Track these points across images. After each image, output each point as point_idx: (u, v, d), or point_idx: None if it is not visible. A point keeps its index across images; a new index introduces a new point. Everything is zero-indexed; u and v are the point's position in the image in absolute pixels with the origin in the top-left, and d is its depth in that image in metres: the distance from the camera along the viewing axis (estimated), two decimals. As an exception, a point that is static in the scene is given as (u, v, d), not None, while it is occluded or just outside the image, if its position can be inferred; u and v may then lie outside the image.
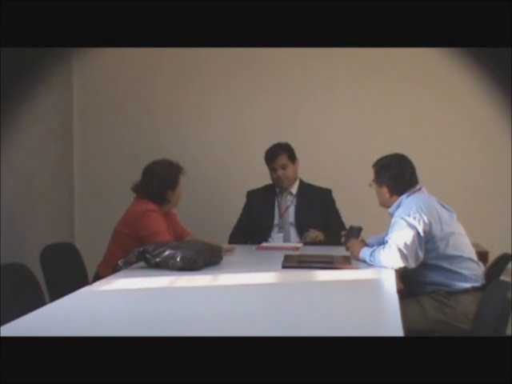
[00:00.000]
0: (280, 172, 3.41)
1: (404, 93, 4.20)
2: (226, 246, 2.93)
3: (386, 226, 2.81)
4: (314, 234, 3.30)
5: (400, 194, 2.80)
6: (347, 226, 3.25)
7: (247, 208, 3.56)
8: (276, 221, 3.46)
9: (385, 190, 2.83)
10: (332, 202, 3.50)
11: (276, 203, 3.48)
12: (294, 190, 3.49)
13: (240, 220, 3.55)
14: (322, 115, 4.29)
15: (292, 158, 3.45)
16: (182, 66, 4.35)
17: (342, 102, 4.28)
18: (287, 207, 3.45)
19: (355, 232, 2.91)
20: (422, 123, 4.21)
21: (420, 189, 2.81)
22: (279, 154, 3.41)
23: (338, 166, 4.22)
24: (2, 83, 1.60)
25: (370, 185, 2.90)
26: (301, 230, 3.38)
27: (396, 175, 2.79)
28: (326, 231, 3.34)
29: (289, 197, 3.49)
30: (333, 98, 4.28)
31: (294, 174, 3.47)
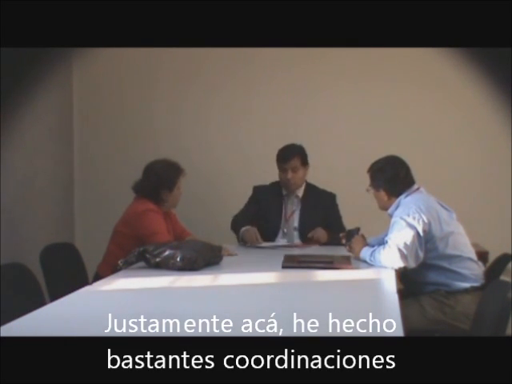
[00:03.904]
0: (290, 175, 3.35)
1: (404, 93, 4.20)
2: (227, 249, 2.90)
3: (386, 227, 2.81)
4: (318, 233, 3.29)
5: (398, 195, 2.80)
6: (348, 228, 3.25)
7: (254, 201, 3.48)
8: (281, 225, 3.42)
9: (382, 193, 2.83)
10: (335, 206, 3.47)
11: (283, 206, 3.44)
12: (300, 193, 3.44)
13: (247, 208, 3.46)
14: (323, 116, 4.29)
15: (304, 162, 3.39)
16: (182, 66, 4.35)
17: (343, 102, 4.28)
18: (293, 212, 3.42)
19: (354, 233, 2.92)
20: (422, 123, 4.21)
21: (418, 189, 2.81)
22: (293, 156, 3.35)
23: (339, 166, 4.21)
24: (2, 83, 1.60)
25: (367, 190, 2.91)
26: (304, 235, 3.36)
27: (391, 177, 2.80)
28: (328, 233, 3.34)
29: (295, 200, 3.45)
30: (333, 98, 4.28)
31: (303, 178, 3.43)
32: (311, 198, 3.44)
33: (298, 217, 3.43)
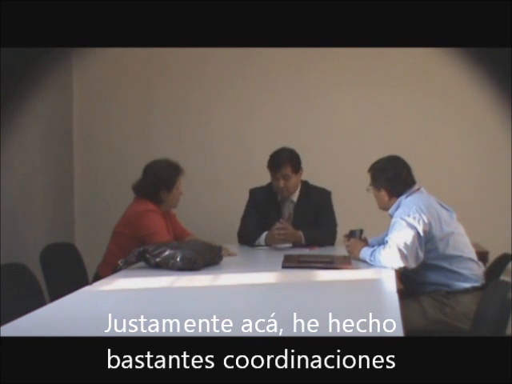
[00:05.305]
0: (281, 183, 3.28)
1: (404, 93, 4.21)
2: (227, 249, 2.89)
3: (386, 227, 2.81)
4: (281, 227, 3.16)
5: (399, 195, 2.80)
6: (343, 226, 3.24)
7: (254, 204, 3.43)
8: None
9: (383, 193, 2.83)
10: (328, 203, 3.41)
11: (280, 211, 3.38)
12: (295, 197, 3.39)
13: (251, 214, 3.39)
14: (324, 116, 4.29)
15: (296, 168, 3.29)
16: (182, 66, 4.36)
17: (344, 103, 4.28)
18: (289, 216, 3.37)
19: (357, 234, 2.92)
20: (422, 123, 4.22)
21: (419, 189, 2.81)
22: (283, 165, 3.26)
23: (339, 166, 4.22)
24: (2, 83, 1.60)
25: (367, 189, 2.90)
26: None
27: (392, 177, 2.79)
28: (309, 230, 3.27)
29: (290, 205, 3.40)
30: (334, 98, 4.29)
31: (296, 183, 3.35)
32: (304, 200, 3.38)
33: (292, 221, 3.35)
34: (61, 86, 4.23)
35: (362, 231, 2.93)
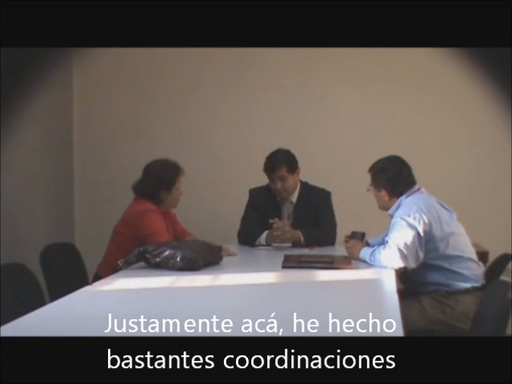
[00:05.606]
0: (279, 184, 3.28)
1: (405, 93, 4.21)
2: (227, 249, 2.89)
3: (387, 227, 2.81)
4: (281, 225, 3.13)
5: (399, 195, 2.80)
6: (343, 226, 3.24)
7: (254, 205, 3.43)
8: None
9: (383, 193, 2.83)
10: (328, 204, 3.40)
11: (279, 212, 3.37)
12: (294, 198, 3.38)
13: (251, 215, 3.39)
14: (323, 116, 4.29)
15: (292, 169, 3.29)
16: (182, 66, 4.35)
17: (343, 103, 4.28)
18: (289, 216, 3.36)
19: (358, 236, 2.91)
20: (422, 124, 4.22)
21: (419, 189, 2.81)
22: (278, 166, 3.26)
23: (339, 166, 4.22)
24: (2, 83, 1.60)
25: (367, 189, 2.90)
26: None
27: (393, 177, 2.79)
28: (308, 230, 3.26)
29: (290, 206, 3.40)
30: (335, 98, 4.28)
31: (294, 184, 3.35)
32: (304, 200, 3.38)
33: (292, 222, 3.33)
34: (61, 86, 4.23)
35: (364, 235, 2.92)
